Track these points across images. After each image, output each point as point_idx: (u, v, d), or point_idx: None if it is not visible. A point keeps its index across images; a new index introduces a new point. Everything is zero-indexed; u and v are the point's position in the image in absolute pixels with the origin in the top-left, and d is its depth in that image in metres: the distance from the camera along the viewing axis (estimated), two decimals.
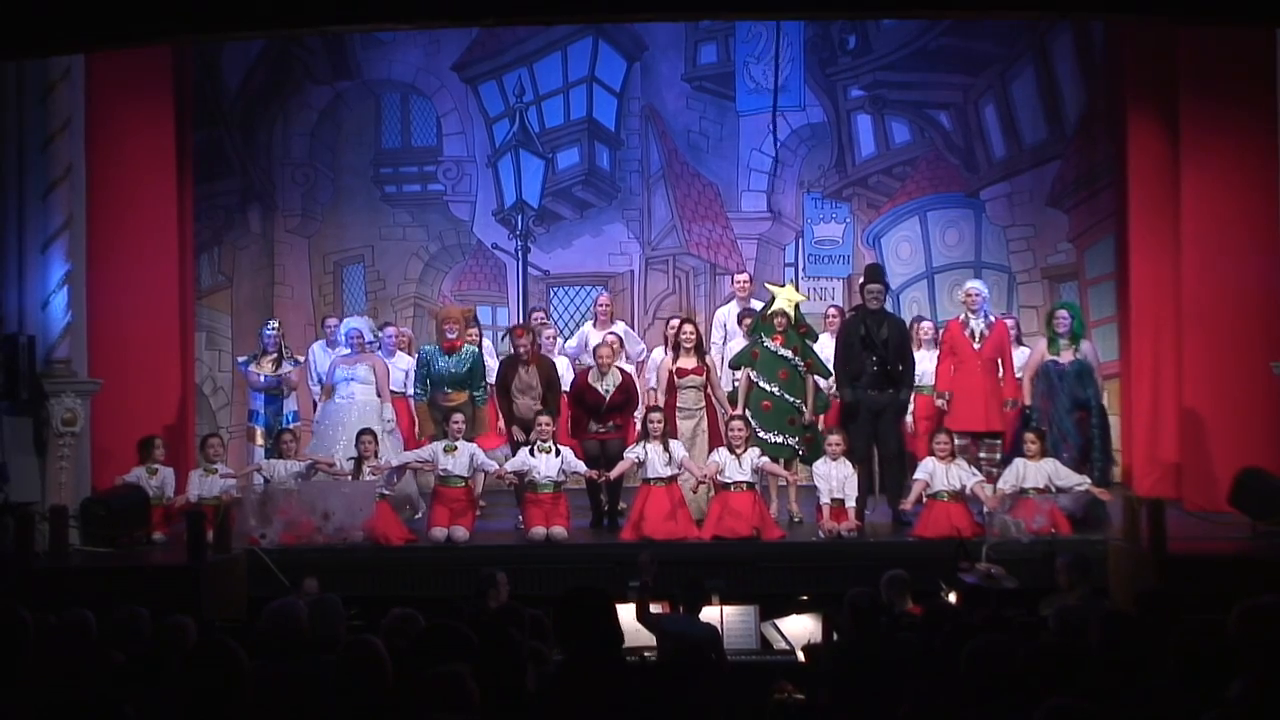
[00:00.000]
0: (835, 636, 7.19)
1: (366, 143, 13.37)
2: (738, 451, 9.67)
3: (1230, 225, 10.61)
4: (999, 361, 10.38)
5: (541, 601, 6.47)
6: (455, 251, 13.34)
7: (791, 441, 10.10)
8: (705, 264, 13.23)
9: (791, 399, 10.14)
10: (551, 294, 13.29)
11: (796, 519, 10.20)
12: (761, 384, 10.14)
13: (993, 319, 10.58)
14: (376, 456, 9.91)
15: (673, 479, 9.71)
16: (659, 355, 11.09)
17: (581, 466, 9.91)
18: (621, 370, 10.39)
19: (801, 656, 7.58)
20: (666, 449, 9.69)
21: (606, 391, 10.13)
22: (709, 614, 7.71)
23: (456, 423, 9.94)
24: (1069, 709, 3.66)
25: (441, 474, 9.85)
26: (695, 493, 9.94)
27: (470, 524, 9.82)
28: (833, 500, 9.71)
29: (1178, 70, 10.92)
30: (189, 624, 5.43)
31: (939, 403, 10.40)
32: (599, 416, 10.14)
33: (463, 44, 13.28)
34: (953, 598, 7.67)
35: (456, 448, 9.86)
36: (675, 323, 10.72)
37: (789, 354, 10.16)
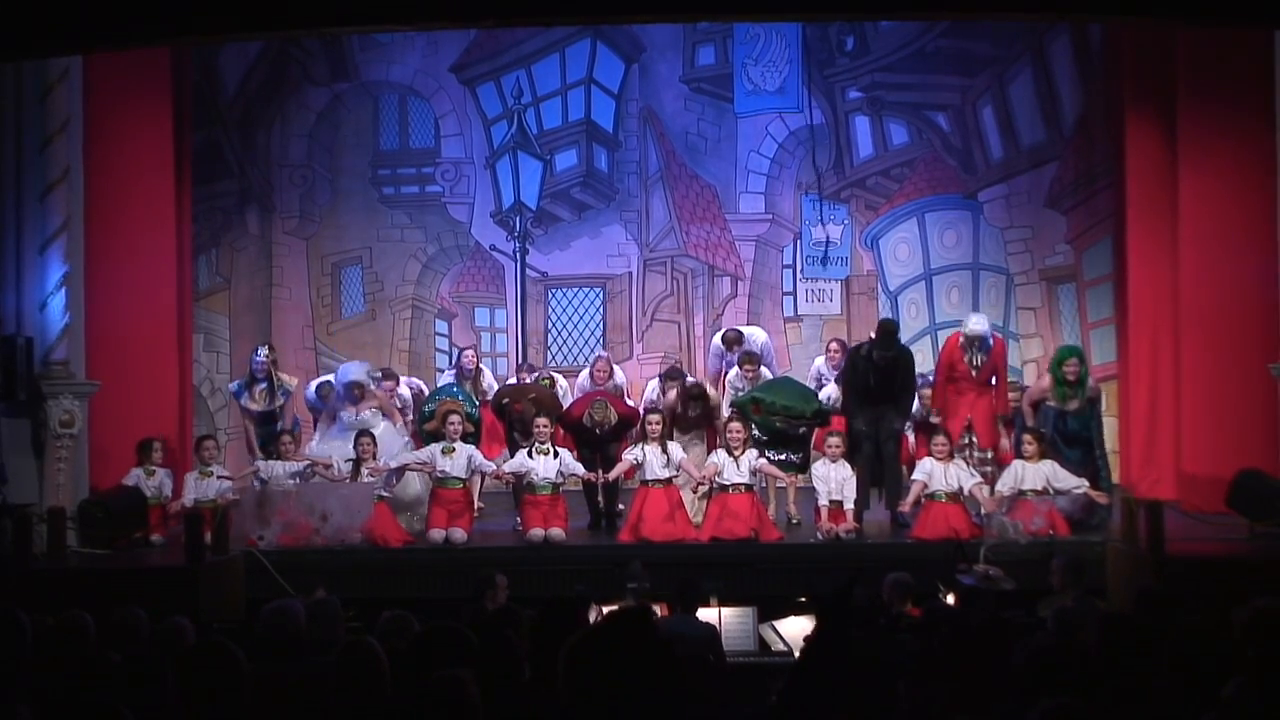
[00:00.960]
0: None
1: (365, 144, 13.36)
2: (735, 453, 9.67)
3: (1228, 227, 10.62)
4: (993, 382, 10.46)
5: (540, 603, 6.45)
6: (453, 253, 13.34)
7: (795, 458, 10.12)
8: (703, 265, 13.22)
9: (789, 428, 10.18)
10: (549, 295, 13.28)
11: (795, 520, 10.20)
12: (757, 419, 10.15)
13: (991, 341, 10.54)
14: (375, 458, 9.90)
15: (670, 480, 9.71)
16: (654, 388, 11.17)
17: (580, 469, 9.90)
18: (620, 410, 10.35)
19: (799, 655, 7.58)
20: (664, 451, 9.68)
21: (602, 431, 10.17)
22: (708, 615, 7.72)
23: (453, 424, 9.93)
24: (1064, 709, 3.66)
25: (439, 475, 9.84)
26: (695, 493, 9.94)
27: (468, 525, 9.81)
28: (831, 502, 9.72)
29: (1176, 72, 10.93)
30: (187, 625, 5.43)
31: (934, 420, 10.40)
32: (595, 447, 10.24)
33: (461, 45, 13.27)
34: (950, 599, 7.67)
35: (454, 449, 9.85)
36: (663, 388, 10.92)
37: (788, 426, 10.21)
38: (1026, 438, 9.74)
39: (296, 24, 8.38)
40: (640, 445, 9.77)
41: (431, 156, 13.40)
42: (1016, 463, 9.69)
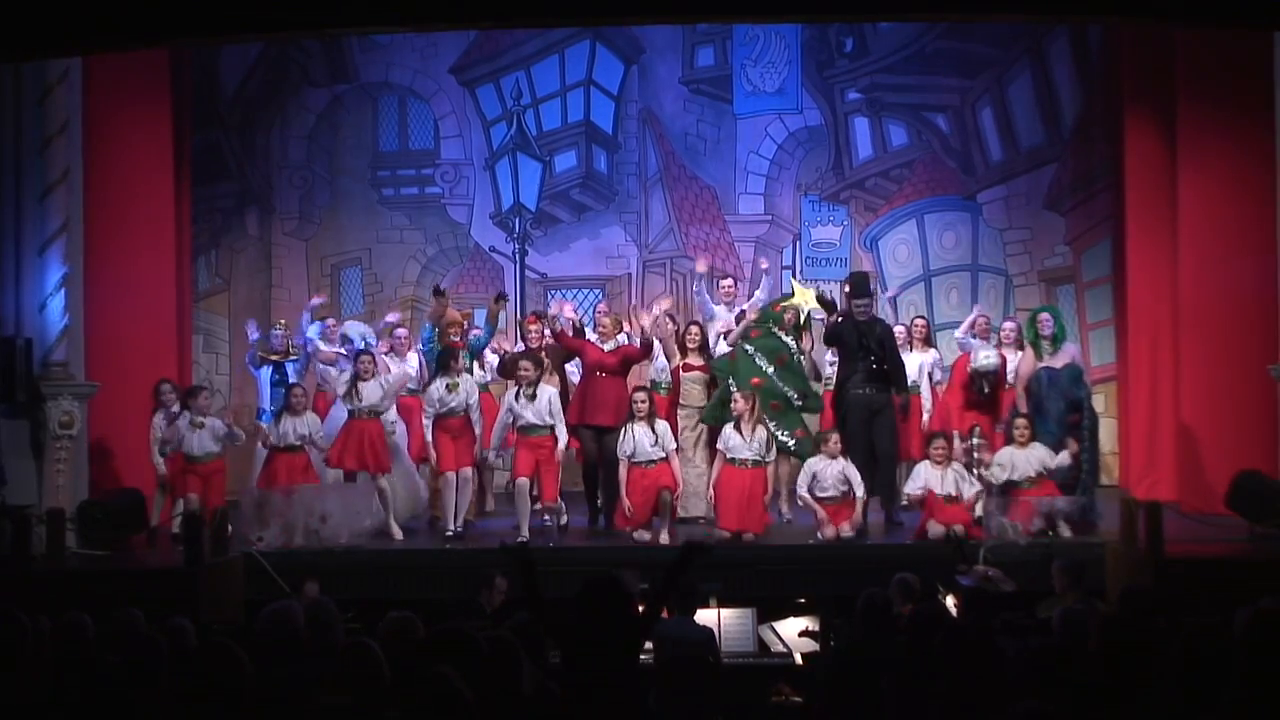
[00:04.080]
0: (832, 639, 7.20)
1: (364, 145, 13.36)
2: (744, 426, 9.64)
3: (1227, 228, 10.63)
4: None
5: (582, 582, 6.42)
6: (453, 254, 13.34)
7: (771, 426, 10.06)
8: (713, 275, 13.19)
9: (783, 386, 10.19)
10: (549, 297, 13.27)
11: (788, 519, 10.25)
12: (756, 359, 10.20)
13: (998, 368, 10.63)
14: (374, 376, 9.91)
15: (661, 461, 9.71)
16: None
17: (558, 409, 9.88)
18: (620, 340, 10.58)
19: (799, 660, 7.59)
20: (653, 429, 9.71)
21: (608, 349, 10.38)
22: (708, 616, 7.72)
23: (458, 361, 9.96)
24: (1037, 713, 3.65)
25: (445, 410, 9.91)
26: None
27: (470, 449, 9.93)
28: (828, 499, 9.67)
29: (1175, 73, 10.94)
30: (187, 626, 5.43)
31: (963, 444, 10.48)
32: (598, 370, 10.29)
33: (460, 47, 13.27)
34: (950, 600, 7.67)
35: (459, 384, 9.91)
36: (660, 304, 11.05)
37: (791, 343, 10.26)
38: (1019, 422, 9.76)
39: (296, 25, 8.38)
40: (629, 425, 9.77)
41: (431, 158, 13.40)
42: (1008, 450, 9.70)
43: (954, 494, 9.52)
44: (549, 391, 9.91)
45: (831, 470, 9.69)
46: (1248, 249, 10.48)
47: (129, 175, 10.94)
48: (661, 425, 9.79)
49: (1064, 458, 9.60)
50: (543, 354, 10.46)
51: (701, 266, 11.75)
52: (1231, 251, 10.59)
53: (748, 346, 10.31)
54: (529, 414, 9.78)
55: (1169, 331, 11.24)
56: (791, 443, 10.15)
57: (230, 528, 9.11)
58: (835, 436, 9.83)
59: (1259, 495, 9.35)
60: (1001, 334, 10.95)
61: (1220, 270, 10.65)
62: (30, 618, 4.98)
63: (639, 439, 9.69)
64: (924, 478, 9.60)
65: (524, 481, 9.76)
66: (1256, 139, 10.24)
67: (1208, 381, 10.69)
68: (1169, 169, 11.18)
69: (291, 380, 10.87)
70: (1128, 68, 11.69)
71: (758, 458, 9.66)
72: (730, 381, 10.26)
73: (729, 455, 9.65)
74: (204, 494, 9.90)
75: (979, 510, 9.52)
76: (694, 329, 10.59)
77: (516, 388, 9.90)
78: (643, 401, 9.78)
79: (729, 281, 11.59)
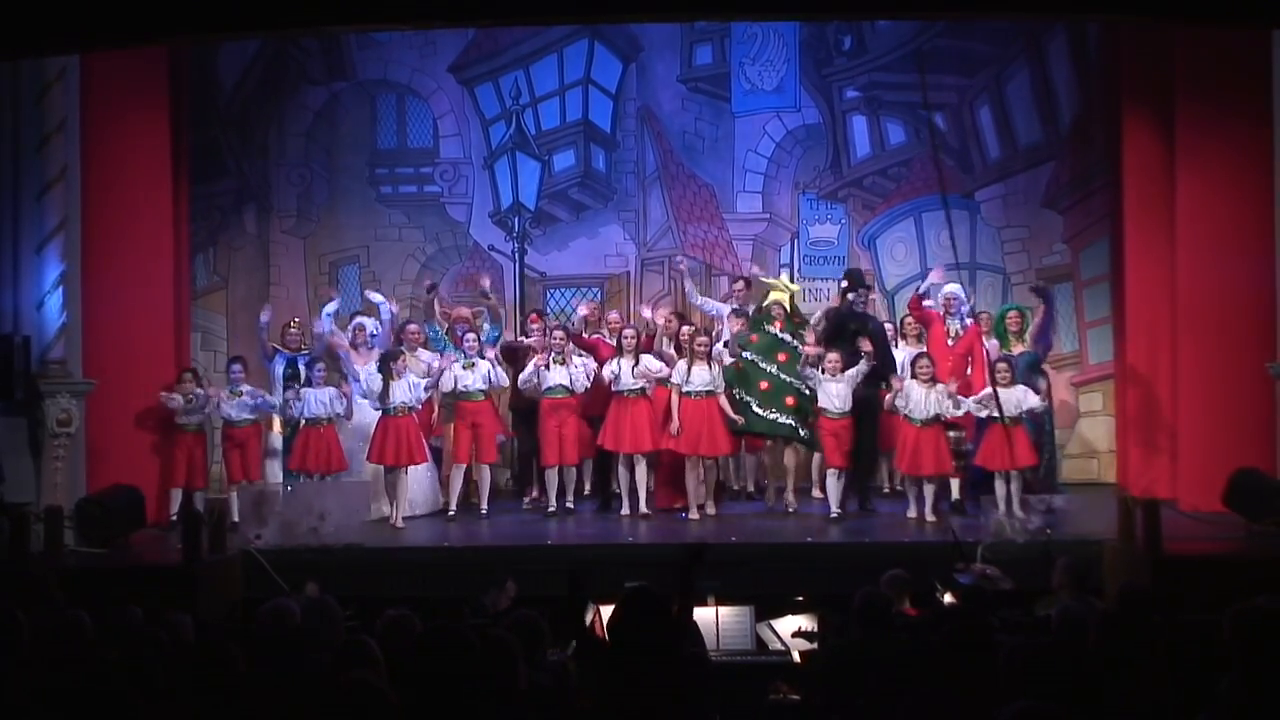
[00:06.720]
0: (829, 637, 7.19)
1: (362, 144, 13.35)
2: (699, 364, 10.14)
3: (1225, 227, 10.64)
4: (968, 361, 10.83)
5: (542, 602, 6.45)
6: (452, 253, 13.33)
7: (790, 421, 10.26)
8: (701, 265, 13.22)
9: (789, 379, 10.31)
10: (548, 296, 13.28)
11: (791, 509, 10.41)
12: (760, 364, 10.33)
13: (968, 321, 10.94)
14: (400, 378, 10.22)
15: (643, 391, 10.28)
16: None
17: (589, 369, 10.49)
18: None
19: (797, 658, 7.58)
20: (637, 362, 10.29)
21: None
22: (705, 615, 7.72)
23: (469, 343, 10.54)
24: (1032, 711, 3.65)
25: (461, 391, 10.42)
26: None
27: (493, 443, 10.58)
28: (828, 411, 10.15)
29: (1173, 71, 10.94)
30: (186, 623, 5.43)
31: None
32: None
33: (459, 45, 13.27)
34: (949, 599, 7.67)
35: (473, 364, 10.48)
36: (665, 315, 11.28)
37: (788, 338, 10.38)
38: (1001, 366, 10.16)
39: (294, 23, 8.39)
40: (617, 359, 10.35)
41: (430, 156, 13.39)
42: (990, 389, 10.04)
43: (936, 414, 10.00)
44: (582, 363, 10.58)
45: (835, 390, 10.13)
46: (1245, 247, 10.49)
47: (127, 173, 10.93)
48: (645, 358, 10.33)
49: (1035, 399, 10.11)
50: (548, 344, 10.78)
51: (682, 266, 11.89)
52: (1229, 250, 10.60)
53: (747, 354, 10.40)
54: (553, 379, 10.41)
55: (1167, 330, 11.25)
56: (805, 434, 10.39)
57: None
58: (834, 354, 10.21)
59: (1257, 493, 9.37)
60: (980, 319, 11.15)
61: (1218, 268, 10.66)
62: (28, 615, 4.98)
63: (622, 371, 10.31)
64: (909, 396, 10.07)
65: (553, 471, 10.49)
66: (1255, 138, 10.26)
67: (1205, 379, 10.70)
68: (1167, 167, 11.19)
69: (304, 372, 11.01)
70: (1126, 66, 11.70)
71: (710, 388, 10.17)
72: (739, 392, 10.39)
73: (684, 389, 10.15)
74: (242, 458, 10.58)
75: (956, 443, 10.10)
76: (684, 330, 10.69)
77: (547, 355, 10.51)
78: (630, 337, 10.43)
79: (740, 284, 11.66)
